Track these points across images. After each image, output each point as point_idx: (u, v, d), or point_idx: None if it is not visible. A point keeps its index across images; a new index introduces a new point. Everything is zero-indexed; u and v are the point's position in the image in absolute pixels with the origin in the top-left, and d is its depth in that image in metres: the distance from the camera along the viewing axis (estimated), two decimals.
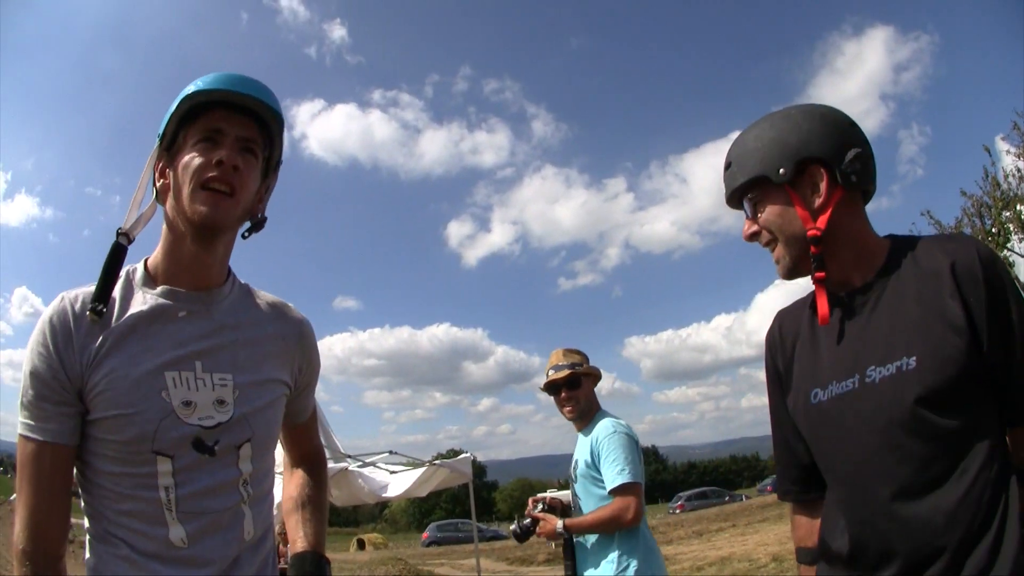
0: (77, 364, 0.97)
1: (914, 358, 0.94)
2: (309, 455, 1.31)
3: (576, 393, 2.47)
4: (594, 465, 2.35)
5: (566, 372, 2.47)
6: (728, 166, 1.14)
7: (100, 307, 0.99)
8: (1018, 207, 12.84)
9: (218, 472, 1.00)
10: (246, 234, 1.15)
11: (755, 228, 1.11)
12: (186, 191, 1.01)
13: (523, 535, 2.48)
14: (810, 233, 1.04)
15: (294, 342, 1.16)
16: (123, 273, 1.05)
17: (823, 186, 1.04)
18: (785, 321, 1.20)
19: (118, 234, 1.05)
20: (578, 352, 2.60)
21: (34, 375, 0.97)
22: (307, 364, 1.20)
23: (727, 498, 35.94)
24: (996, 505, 0.88)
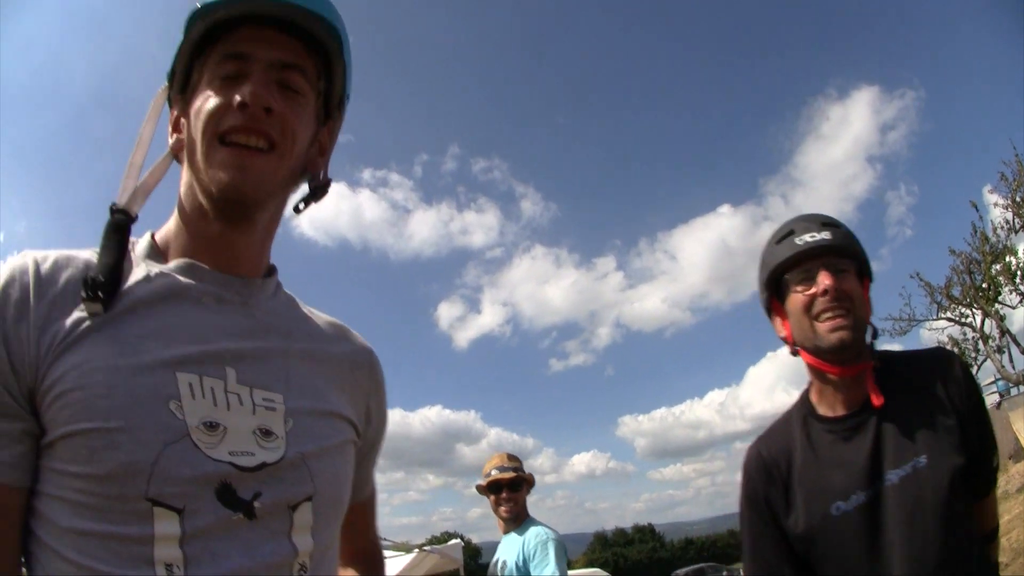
0: (30, 348, 0.62)
1: (924, 456, 1.08)
2: (366, 552, 0.93)
3: (516, 496, 2.70)
4: (524, 568, 2.51)
5: (511, 474, 2.70)
6: (834, 223, 1.19)
7: (100, 279, 0.65)
8: (1007, 258, 13.03)
9: (259, 545, 0.62)
10: (301, 205, 0.83)
11: (841, 287, 1.12)
12: (200, 148, 0.71)
13: None
14: (871, 326, 1.17)
15: (366, 373, 0.83)
16: (135, 243, 0.76)
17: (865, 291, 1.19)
18: (770, 448, 1.23)
19: (112, 212, 0.72)
20: (518, 459, 2.85)
21: None
22: (378, 409, 0.85)
23: (724, 573, 35.30)
24: (985, 566, 1.11)
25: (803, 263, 1.14)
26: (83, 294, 0.64)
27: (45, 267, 0.66)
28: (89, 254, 0.70)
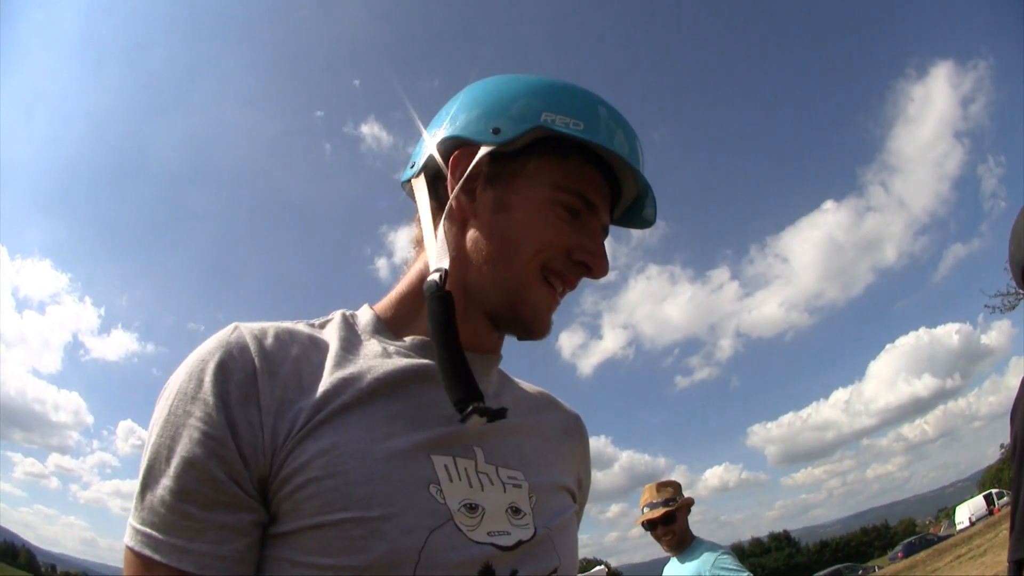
0: (263, 433, 0.58)
1: None
2: None
3: (672, 527, 2.64)
4: None
5: (660, 511, 2.63)
6: None
7: (481, 404, 0.61)
8: None
9: None
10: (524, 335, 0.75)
11: None
12: (523, 262, 0.68)
13: None
14: None
15: (577, 440, 0.82)
16: (333, 318, 0.72)
17: None
18: None
19: (438, 287, 0.65)
20: (670, 485, 2.74)
21: (177, 455, 0.56)
22: (586, 474, 0.84)
23: (860, 572, 36.95)
24: None
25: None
26: (473, 416, 0.61)
27: (268, 343, 0.62)
28: (306, 328, 0.68)
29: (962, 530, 32.43)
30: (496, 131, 0.69)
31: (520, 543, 0.63)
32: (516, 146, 0.70)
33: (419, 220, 0.76)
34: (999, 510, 30.93)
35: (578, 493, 0.81)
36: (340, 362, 0.65)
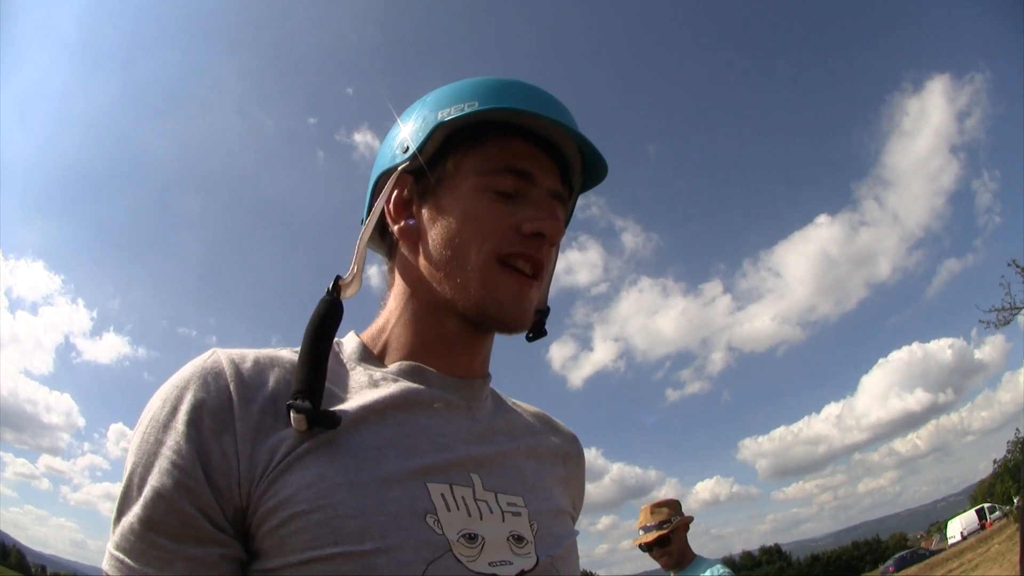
0: (239, 464, 0.55)
1: None
2: None
3: (668, 549, 2.60)
4: None
5: (654, 535, 2.60)
6: None
7: (304, 403, 0.58)
8: None
9: None
10: (531, 335, 0.77)
11: None
12: (474, 260, 0.67)
13: None
14: None
15: (574, 463, 0.80)
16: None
17: None
18: None
19: (332, 288, 0.65)
20: (665, 505, 2.67)
21: (146, 484, 0.55)
22: (580, 495, 0.82)
23: None
24: None
25: None
26: (291, 413, 0.57)
27: (246, 367, 0.60)
28: (289, 354, 0.64)
29: (954, 544, 32.55)
30: (405, 149, 0.70)
31: (523, 573, 0.61)
32: (429, 154, 0.69)
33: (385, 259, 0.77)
34: (991, 524, 31.03)
35: (575, 514, 0.80)
36: (331, 389, 0.63)
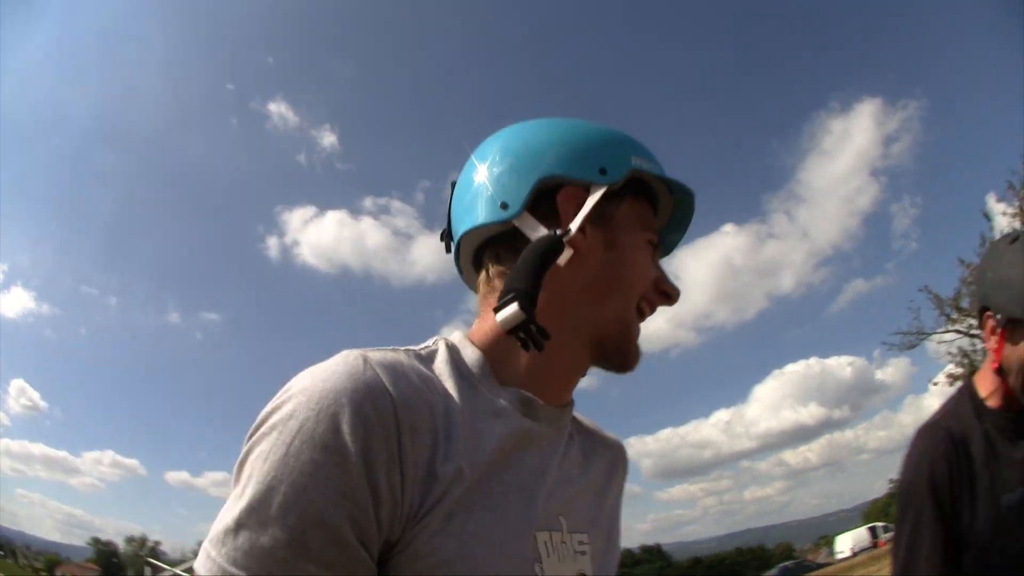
0: (404, 503, 0.53)
1: None
2: None
3: None
4: None
5: None
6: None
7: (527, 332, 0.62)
8: None
9: None
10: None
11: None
12: (620, 297, 0.69)
13: None
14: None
15: (621, 474, 0.82)
16: (438, 350, 0.66)
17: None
18: (957, 431, 1.18)
19: (562, 232, 0.65)
20: None
21: (297, 506, 0.50)
22: (619, 504, 0.82)
23: None
24: None
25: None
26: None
27: (404, 388, 0.56)
28: (415, 361, 0.62)
29: (842, 559, 32.49)
30: (603, 172, 0.69)
31: None
32: (615, 187, 0.70)
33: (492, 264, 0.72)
34: (884, 544, 29.96)
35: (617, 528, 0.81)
36: (468, 422, 0.60)
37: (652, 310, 0.73)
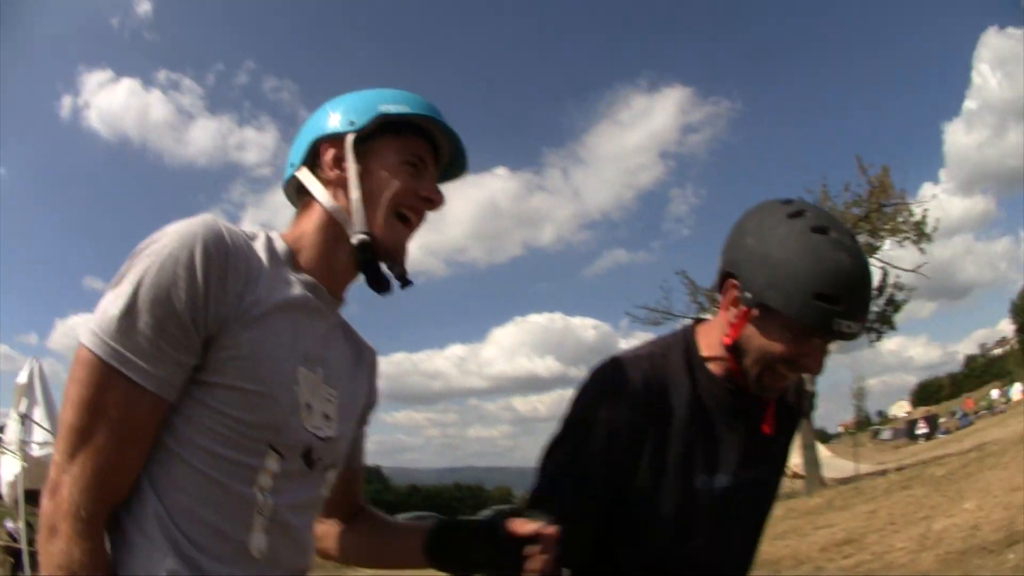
0: (223, 310, 0.79)
1: (765, 469, 1.14)
2: (363, 506, 1.14)
3: None
4: None
5: None
6: (867, 311, 1.01)
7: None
8: None
9: (310, 489, 0.90)
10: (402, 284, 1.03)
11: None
12: (381, 212, 0.93)
13: None
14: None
15: (371, 372, 1.09)
16: (259, 235, 0.91)
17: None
18: (655, 375, 1.07)
19: (361, 237, 0.91)
20: None
21: (161, 302, 0.76)
22: (374, 398, 1.10)
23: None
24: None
25: (816, 333, 0.97)
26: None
27: (237, 241, 0.82)
28: (260, 232, 0.91)
29: None
30: (352, 123, 0.93)
31: (328, 439, 0.89)
32: (367, 132, 0.93)
33: (303, 194, 0.97)
34: None
35: (368, 411, 1.08)
36: (270, 276, 0.85)
37: (418, 215, 0.95)
